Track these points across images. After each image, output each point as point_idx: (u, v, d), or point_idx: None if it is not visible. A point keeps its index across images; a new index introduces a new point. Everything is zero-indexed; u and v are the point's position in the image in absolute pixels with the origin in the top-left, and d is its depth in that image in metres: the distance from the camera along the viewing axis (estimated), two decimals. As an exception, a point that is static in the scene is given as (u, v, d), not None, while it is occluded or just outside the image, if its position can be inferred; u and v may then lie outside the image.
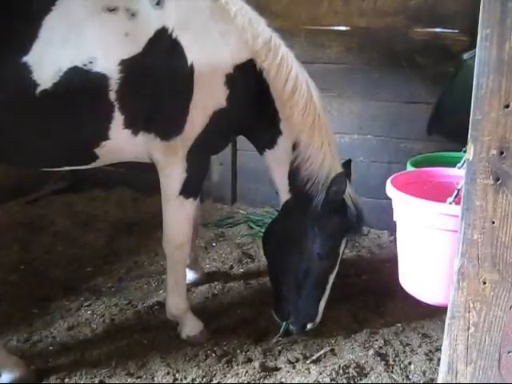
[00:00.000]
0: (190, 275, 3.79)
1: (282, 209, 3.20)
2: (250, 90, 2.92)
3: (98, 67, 2.51)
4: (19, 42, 2.42)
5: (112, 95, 2.57)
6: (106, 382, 2.91)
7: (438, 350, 3.11)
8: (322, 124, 3.01)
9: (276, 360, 3.09)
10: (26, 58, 2.41)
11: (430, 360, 3.08)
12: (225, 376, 2.95)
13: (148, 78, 2.64)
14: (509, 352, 1.72)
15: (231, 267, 4.14)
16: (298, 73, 2.98)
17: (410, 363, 3.06)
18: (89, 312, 3.54)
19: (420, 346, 3.21)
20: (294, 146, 3.00)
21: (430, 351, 3.16)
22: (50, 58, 2.44)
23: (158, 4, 2.64)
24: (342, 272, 4.03)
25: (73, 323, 3.41)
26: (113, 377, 2.94)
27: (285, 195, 3.15)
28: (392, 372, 2.98)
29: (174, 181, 2.93)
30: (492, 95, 1.60)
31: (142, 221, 4.81)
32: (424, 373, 2.98)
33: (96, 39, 2.52)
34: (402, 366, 3.04)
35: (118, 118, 2.65)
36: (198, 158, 2.93)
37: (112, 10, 2.56)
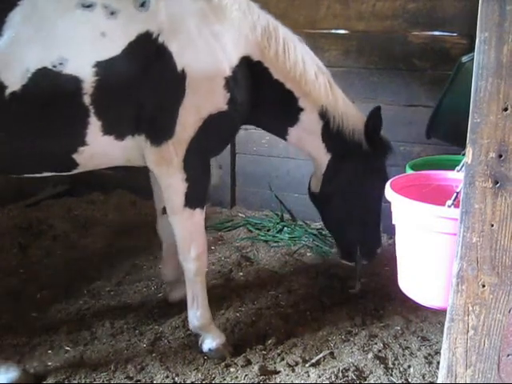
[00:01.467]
0: (172, 293, 3.65)
1: (327, 169, 3.34)
2: (251, 86, 2.90)
3: (69, 69, 2.38)
4: None
5: (86, 99, 2.44)
6: (105, 385, 2.91)
7: (438, 353, 3.11)
8: (332, 83, 3.19)
9: (275, 363, 3.09)
10: None
11: (430, 363, 3.08)
12: (224, 379, 2.95)
13: (128, 82, 2.51)
14: (508, 355, 1.72)
15: (230, 270, 4.13)
16: (301, 48, 3.07)
17: (409, 366, 3.06)
18: (88, 315, 3.55)
19: (419, 350, 3.21)
20: (322, 114, 3.16)
21: (430, 354, 3.16)
22: (16, 58, 2.30)
23: (142, 6, 2.52)
24: (342, 275, 4.06)
25: (72, 327, 3.41)
26: (112, 380, 2.94)
27: (324, 157, 3.31)
28: (391, 375, 2.98)
29: (175, 193, 2.83)
30: (491, 98, 1.60)
31: (141, 224, 4.81)
32: (423, 376, 2.98)
33: (67, 38, 2.38)
34: (401, 369, 3.04)
35: (94, 124, 2.52)
36: (196, 164, 2.84)
37: (88, 6, 2.41)
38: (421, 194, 2.45)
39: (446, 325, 1.83)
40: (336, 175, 3.35)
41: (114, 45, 2.45)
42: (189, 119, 2.67)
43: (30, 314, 3.54)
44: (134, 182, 5.22)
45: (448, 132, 3.71)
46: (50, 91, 2.37)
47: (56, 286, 3.86)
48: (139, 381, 2.94)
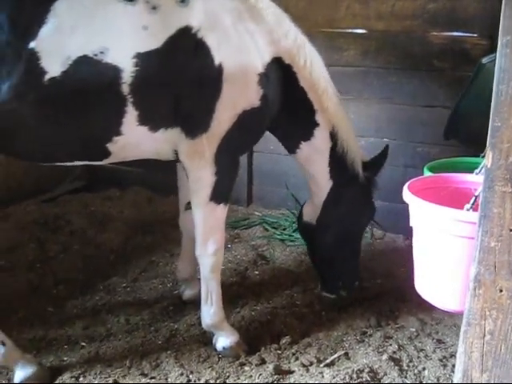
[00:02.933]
0: (187, 291, 3.68)
1: (328, 197, 3.36)
2: (281, 87, 2.94)
3: (110, 58, 2.41)
4: (27, 25, 2.31)
5: (125, 88, 2.48)
6: (120, 381, 2.92)
7: (453, 356, 3.09)
8: (342, 108, 3.24)
9: (290, 363, 3.09)
10: (33, 44, 2.30)
11: (445, 366, 3.06)
12: (238, 378, 2.96)
13: (167, 75, 2.56)
14: (525, 361, 1.71)
15: (246, 269, 4.14)
16: (323, 66, 3.12)
17: (423, 369, 3.05)
18: (103, 311, 3.57)
19: (434, 352, 3.19)
20: (332, 134, 3.20)
21: (445, 357, 3.14)
22: (58, 45, 2.35)
23: (182, 1, 2.59)
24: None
25: (88, 322, 3.44)
26: (127, 377, 2.96)
27: (326, 184, 3.34)
28: (406, 377, 2.96)
29: (203, 186, 2.86)
30: (511, 102, 1.59)
31: (157, 221, 4.83)
32: (438, 379, 2.97)
33: (109, 29, 2.43)
34: (415, 371, 3.02)
35: (131, 113, 2.55)
36: (227, 159, 2.87)
37: (130, 0, 2.48)
38: (439, 197, 2.45)
39: (463, 328, 1.82)
40: (336, 205, 3.38)
41: (154, 38, 2.50)
42: (224, 114, 2.72)
43: (46, 308, 3.57)
44: (151, 178, 5.27)
45: (467, 134, 3.69)
46: (90, 79, 2.41)
47: (72, 281, 3.90)
48: (154, 377, 2.96)
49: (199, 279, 3.87)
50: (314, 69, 3.03)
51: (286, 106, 3.04)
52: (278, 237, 4.70)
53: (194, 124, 2.72)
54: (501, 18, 1.59)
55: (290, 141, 3.30)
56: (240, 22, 2.73)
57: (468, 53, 4.29)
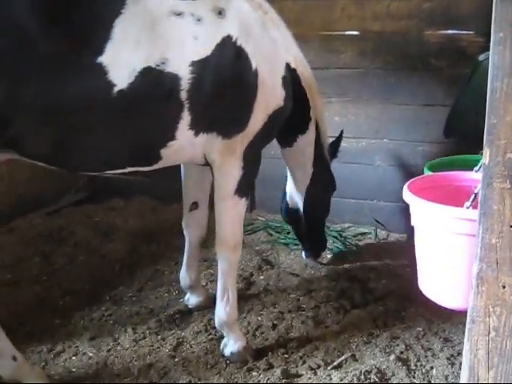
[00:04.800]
0: (192, 299, 3.70)
1: (311, 182, 3.86)
2: (292, 88, 3.15)
3: (170, 67, 2.58)
4: (94, 41, 2.45)
5: (183, 95, 2.64)
6: (129, 391, 2.93)
7: (460, 354, 3.08)
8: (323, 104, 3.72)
9: (297, 367, 3.09)
10: (101, 59, 2.43)
11: (452, 364, 3.06)
12: (246, 383, 2.96)
13: (216, 80, 2.72)
14: (530, 356, 1.71)
15: (251, 274, 4.15)
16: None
17: (431, 368, 3.04)
18: (111, 322, 3.58)
19: (442, 351, 3.19)
20: (316, 127, 3.64)
21: (452, 355, 3.14)
22: (124, 59, 2.48)
23: (220, 14, 2.78)
24: (362, 276, 4.05)
25: (95, 333, 3.44)
26: (135, 386, 2.97)
27: (310, 171, 3.82)
28: (414, 377, 2.96)
29: (231, 179, 3.00)
30: (507, 99, 1.60)
31: (161, 229, 4.84)
32: (446, 377, 2.96)
33: (167, 41, 2.60)
34: (423, 370, 3.02)
35: (185, 118, 2.71)
36: (254, 155, 3.05)
37: (178, 14, 2.65)
38: (439, 196, 2.45)
39: (467, 326, 1.82)
40: (316, 187, 3.89)
41: (205, 46, 2.69)
42: (259, 115, 2.93)
43: (53, 320, 3.58)
44: (154, 188, 5.28)
45: (466, 131, 3.69)
46: (153, 88, 2.56)
47: (78, 292, 3.91)
48: (163, 386, 2.97)
49: (204, 286, 3.90)
50: (308, 70, 3.39)
51: (294, 105, 3.23)
52: (282, 241, 4.71)
53: (234, 125, 2.90)
54: (492, 16, 1.60)
55: (289, 135, 3.60)
56: (265, 30, 2.97)
57: (465, 51, 4.30)
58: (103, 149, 2.69)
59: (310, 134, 3.65)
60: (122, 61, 2.47)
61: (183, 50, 2.64)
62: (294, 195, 4.01)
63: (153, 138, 2.75)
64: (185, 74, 2.62)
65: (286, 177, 4.06)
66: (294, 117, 3.26)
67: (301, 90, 3.34)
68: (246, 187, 3.07)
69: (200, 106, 2.72)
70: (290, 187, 4.03)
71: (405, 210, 2.68)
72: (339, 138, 3.99)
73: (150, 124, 2.68)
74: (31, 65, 2.32)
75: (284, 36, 3.18)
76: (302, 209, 3.99)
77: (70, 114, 2.46)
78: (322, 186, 3.92)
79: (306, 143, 3.68)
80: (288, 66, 3.11)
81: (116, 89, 2.47)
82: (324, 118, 3.69)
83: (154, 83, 2.56)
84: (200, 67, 2.66)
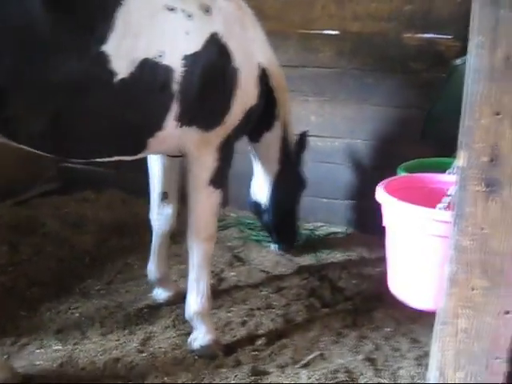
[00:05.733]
0: (161, 293, 3.68)
1: (276, 178, 3.97)
2: (263, 86, 3.24)
3: (166, 60, 2.68)
4: (98, 30, 2.52)
5: (175, 87, 2.74)
6: (95, 385, 2.89)
7: (427, 355, 3.06)
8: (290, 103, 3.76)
9: (266, 364, 3.08)
10: (104, 47, 2.51)
11: (419, 365, 3.08)
12: (214, 380, 2.94)
13: (203, 74, 2.81)
14: (497, 358, 1.72)
15: (222, 270, 4.13)
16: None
17: (399, 368, 3.06)
18: (78, 314, 3.52)
19: (409, 351, 3.21)
20: (283, 125, 3.72)
21: (420, 356, 3.15)
22: (125, 49, 2.56)
23: (207, 11, 2.88)
24: (333, 276, 4.06)
25: (61, 326, 3.39)
26: (101, 380, 2.92)
27: (275, 167, 3.93)
28: (381, 377, 2.97)
29: (205, 170, 3.06)
30: (483, 102, 1.60)
31: (132, 222, 4.78)
32: (413, 378, 2.98)
33: (163, 34, 2.70)
34: (391, 370, 3.03)
35: (174, 110, 2.79)
36: (228, 148, 3.13)
37: (171, 9, 2.74)
38: (413, 197, 2.46)
39: (437, 327, 1.83)
40: (281, 183, 3.99)
41: (195, 41, 2.80)
42: (237, 110, 3.02)
43: (18, 312, 3.51)
44: (125, 180, 5.22)
45: (441, 134, 3.72)
46: (150, 79, 2.66)
47: (46, 284, 3.84)
48: (129, 380, 2.93)
49: (174, 281, 3.88)
50: (279, 70, 3.45)
51: (264, 103, 3.31)
52: (254, 238, 4.70)
53: (213, 119, 2.99)
54: (471, 19, 1.60)
55: (256, 132, 3.66)
56: (243, 30, 3.09)
57: (442, 54, 4.33)
58: (95, 136, 2.77)
59: (276, 132, 3.74)
60: (123, 51, 2.56)
61: (177, 44, 2.74)
62: (259, 189, 4.11)
63: (143, 128, 2.83)
64: (178, 66, 2.72)
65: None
66: (261, 114, 3.35)
67: (269, 89, 3.40)
68: (220, 179, 3.12)
69: (188, 98, 2.81)
70: (256, 181, 4.14)
71: (377, 211, 2.69)
72: (304, 138, 4.05)
73: (143, 113, 2.76)
74: (34, 46, 2.39)
75: (258, 36, 3.26)
76: (266, 203, 4.09)
77: (68, 98, 2.53)
78: (287, 182, 4.01)
79: (272, 140, 3.77)
80: (260, 65, 3.20)
81: (116, 77, 2.57)
82: (290, 117, 3.77)
83: (151, 74, 2.66)
84: (191, 61, 2.76)
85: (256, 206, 4.19)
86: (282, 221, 4.20)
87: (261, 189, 4.09)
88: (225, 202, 5.25)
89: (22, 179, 5.20)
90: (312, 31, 4.65)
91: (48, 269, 4.03)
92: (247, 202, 4.27)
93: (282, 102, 3.60)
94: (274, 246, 4.47)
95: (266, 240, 4.59)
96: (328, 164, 4.88)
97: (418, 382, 2.95)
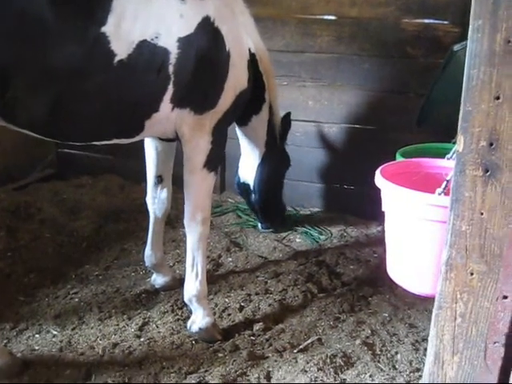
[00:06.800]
0: (158, 279, 3.69)
1: (262, 161, 4.16)
2: (252, 71, 3.30)
3: (162, 42, 2.72)
4: (98, 12, 2.54)
5: (170, 69, 2.77)
6: (93, 370, 2.90)
7: (425, 340, 3.13)
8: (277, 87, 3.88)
9: (263, 349, 3.10)
10: (104, 29, 2.54)
11: (417, 350, 3.10)
12: (212, 364, 2.96)
13: (196, 57, 2.84)
14: (495, 342, 1.73)
15: (219, 256, 4.14)
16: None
17: (396, 353, 3.08)
18: (76, 300, 3.53)
19: (407, 336, 3.23)
20: (270, 109, 3.85)
21: (417, 341, 3.18)
22: (124, 31, 2.59)
23: None
24: (330, 261, 4.07)
25: (60, 311, 3.40)
26: (100, 365, 2.93)
27: (262, 150, 4.12)
28: (379, 362, 2.99)
29: (200, 152, 3.09)
30: (483, 87, 1.60)
31: (129, 208, 4.79)
32: (410, 362, 3.00)
33: (158, 17, 2.73)
34: (388, 355, 3.05)
35: (169, 91, 2.83)
36: (221, 131, 3.17)
37: None
38: (411, 182, 2.46)
39: (434, 312, 1.84)
40: (267, 165, 4.17)
41: (189, 24, 2.82)
42: (229, 94, 3.06)
43: (17, 297, 3.52)
44: (123, 166, 5.22)
45: (438, 120, 3.71)
46: (147, 60, 2.70)
47: (44, 269, 3.85)
48: (127, 365, 2.94)
49: (171, 267, 3.89)
50: (266, 55, 3.55)
51: (252, 87, 3.37)
52: (251, 224, 4.71)
53: (206, 102, 3.02)
54: (472, 3, 1.60)
55: (245, 115, 3.76)
56: (233, 15, 3.12)
57: (440, 40, 4.32)
58: (95, 119, 2.78)
59: (264, 115, 3.87)
60: (122, 33, 2.58)
61: (171, 26, 2.76)
62: (246, 171, 4.28)
63: (141, 109, 2.85)
64: (173, 48, 2.75)
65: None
66: (250, 98, 3.38)
67: (258, 74, 3.48)
68: (214, 161, 3.16)
69: (182, 80, 2.84)
70: (243, 163, 4.30)
71: (375, 196, 2.69)
72: (287, 119, 4.22)
73: (141, 95, 2.78)
74: (34, 29, 2.39)
75: (247, 22, 3.30)
76: (251, 184, 4.27)
77: (69, 81, 2.55)
78: (273, 163, 4.19)
79: (258, 123, 3.92)
80: (249, 50, 3.26)
81: (115, 59, 2.59)
82: (277, 101, 3.88)
83: (149, 55, 2.69)
84: (185, 43, 2.79)
85: (244, 187, 4.35)
86: (268, 200, 4.36)
87: (248, 170, 4.25)
88: (222, 188, 5.27)
89: (20, 165, 5.19)
90: (310, 16, 4.63)
91: (46, 254, 4.04)
92: (235, 183, 4.43)
93: (270, 86, 3.71)
94: (260, 225, 4.60)
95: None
96: (325, 149, 4.88)
97: (416, 366, 2.97)
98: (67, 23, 2.45)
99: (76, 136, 2.94)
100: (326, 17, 4.60)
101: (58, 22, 2.42)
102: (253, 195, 4.32)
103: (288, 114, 4.23)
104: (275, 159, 4.21)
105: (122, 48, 2.60)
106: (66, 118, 2.70)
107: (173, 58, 2.76)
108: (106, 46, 2.55)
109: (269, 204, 4.41)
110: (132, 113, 2.83)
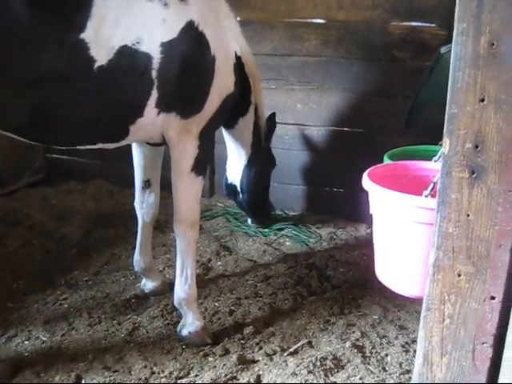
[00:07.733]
0: (147, 284, 3.68)
1: (248, 162, 4.19)
2: (238, 74, 3.30)
3: (144, 47, 2.70)
4: (76, 18, 2.52)
5: (153, 74, 2.76)
6: (83, 376, 2.89)
7: (415, 341, 3.14)
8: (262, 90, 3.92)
9: (253, 352, 3.10)
10: (83, 35, 2.51)
11: (407, 352, 3.11)
12: (202, 369, 2.96)
13: (180, 62, 2.83)
14: (483, 343, 1.74)
15: (209, 260, 4.13)
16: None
17: (386, 355, 3.08)
18: (65, 305, 3.52)
19: (396, 338, 3.24)
20: (256, 111, 3.87)
21: (407, 343, 3.18)
22: (104, 36, 2.57)
23: (183, 0, 2.89)
24: (320, 264, 4.08)
25: (49, 317, 3.38)
26: (90, 371, 2.92)
27: (248, 151, 4.14)
28: (369, 364, 3.00)
29: (187, 157, 3.09)
30: (468, 89, 1.61)
31: (118, 213, 4.77)
32: (400, 364, 3.01)
33: (141, 22, 2.72)
34: (378, 357, 3.06)
35: (153, 96, 2.82)
36: (208, 136, 3.17)
37: None
38: (398, 184, 2.47)
39: (423, 314, 1.84)
40: (253, 166, 4.21)
41: (171, 29, 2.81)
42: (215, 98, 3.06)
43: (6, 304, 3.50)
44: (111, 171, 5.21)
45: (426, 122, 3.73)
46: (129, 66, 2.68)
47: (33, 275, 3.83)
48: (117, 371, 2.93)
49: (161, 271, 3.88)
50: (252, 58, 3.53)
51: (239, 90, 3.37)
52: (241, 228, 4.71)
53: (192, 106, 3.02)
54: (456, 6, 1.61)
55: (231, 118, 3.73)
56: (218, 19, 3.11)
57: (427, 43, 4.35)
58: (78, 123, 2.77)
59: (250, 117, 3.88)
60: (102, 38, 2.56)
61: (154, 31, 2.75)
62: (233, 172, 4.33)
63: (125, 114, 2.84)
64: (156, 53, 2.74)
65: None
66: (237, 101, 3.39)
67: (244, 77, 3.48)
68: (202, 165, 3.16)
69: (166, 85, 2.83)
70: (230, 164, 4.35)
71: (363, 198, 2.70)
72: (272, 119, 4.27)
73: (124, 100, 2.77)
74: (13, 36, 2.38)
75: (232, 26, 3.30)
76: (239, 185, 4.34)
77: (50, 87, 2.53)
78: (258, 165, 4.24)
79: (245, 125, 3.92)
80: (235, 53, 3.26)
81: (97, 64, 2.57)
82: (263, 103, 3.91)
83: (130, 61, 2.67)
84: (168, 48, 2.77)
85: (231, 188, 4.41)
86: (256, 198, 4.43)
87: (235, 171, 4.30)
88: (211, 192, 5.26)
89: (7, 171, 5.16)
90: (297, 20, 4.65)
91: (35, 260, 4.02)
92: (223, 184, 4.49)
93: (256, 89, 3.72)
94: (250, 221, 4.75)
95: (253, 230, 4.61)
96: (313, 152, 4.89)
97: (406, 368, 2.97)
98: (44, 28, 2.44)
99: (60, 140, 2.92)
100: (313, 20, 4.61)
101: (35, 27, 2.41)
102: (241, 195, 4.38)
103: (273, 115, 4.26)
104: (261, 160, 4.25)
105: (101, 54, 2.58)
106: (50, 124, 2.70)
107: (156, 63, 2.74)
108: (85, 51, 2.54)
109: (257, 203, 4.48)
110: (116, 118, 2.83)
